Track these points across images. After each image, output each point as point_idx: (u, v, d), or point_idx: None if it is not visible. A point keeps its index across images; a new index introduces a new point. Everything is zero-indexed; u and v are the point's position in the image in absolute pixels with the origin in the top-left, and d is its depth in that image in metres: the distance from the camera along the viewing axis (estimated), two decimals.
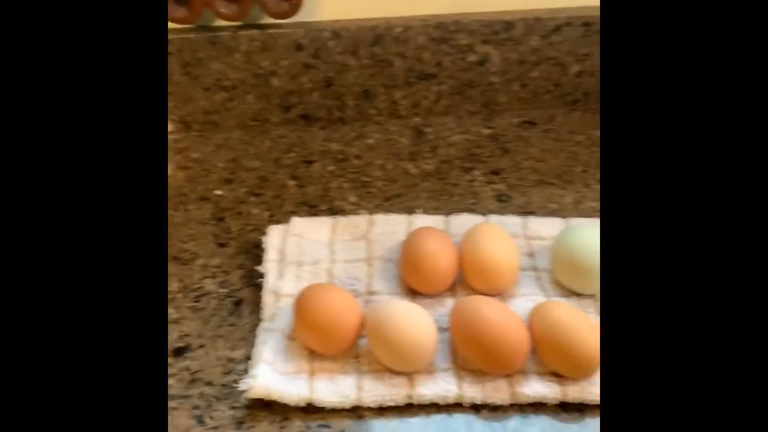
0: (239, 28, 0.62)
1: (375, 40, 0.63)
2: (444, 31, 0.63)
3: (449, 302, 0.43)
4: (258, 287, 0.47)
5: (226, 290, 0.48)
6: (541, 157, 0.61)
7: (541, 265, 0.46)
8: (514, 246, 0.44)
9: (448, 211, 0.54)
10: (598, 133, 0.64)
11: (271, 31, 0.62)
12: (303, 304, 0.40)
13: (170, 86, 0.64)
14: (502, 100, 0.67)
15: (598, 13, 0.63)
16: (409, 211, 0.54)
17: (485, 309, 0.39)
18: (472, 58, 0.65)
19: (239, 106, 0.66)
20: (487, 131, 0.65)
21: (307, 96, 0.66)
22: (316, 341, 0.40)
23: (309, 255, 0.47)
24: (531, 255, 0.47)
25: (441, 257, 0.43)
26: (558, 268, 0.44)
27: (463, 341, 0.39)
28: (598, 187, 0.56)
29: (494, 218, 0.50)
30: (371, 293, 0.44)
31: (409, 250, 0.44)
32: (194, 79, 0.64)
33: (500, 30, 0.63)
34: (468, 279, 0.44)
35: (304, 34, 0.62)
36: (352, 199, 0.57)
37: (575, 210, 0.53)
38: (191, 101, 0.65)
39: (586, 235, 0.43)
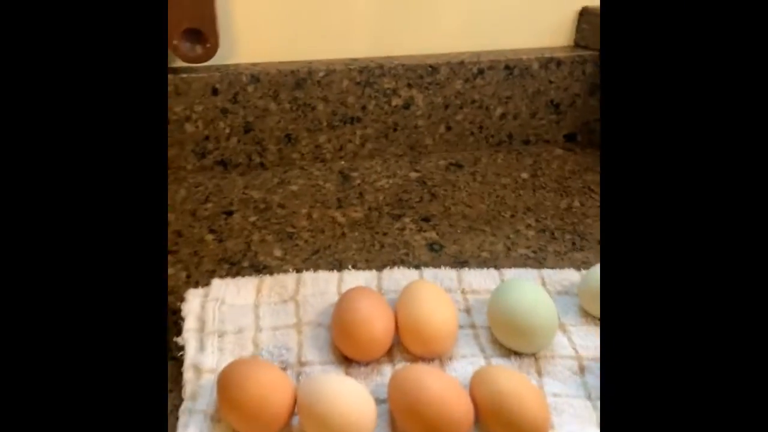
0: None
1: (297, 84, 0.60)
2: (368, 75, 0.61)
3: (387, 370, 0.40)
4: (177, 361, 0.43)
5: None
6: (470, 202, 0.60)
7: (478, 321, 0.44)
8: (451, 304, 0.43)
9: (380, 265, 0.52)
10: (523, 175, 0.64)
11: (184, 75, 0.58)
12: (227, 383, 0.37)
13: None
14: (427, 143, 0.66)
15: (518, 56, 0.64)
16: (339, 265, 0.52)
17: (425, 379, 0.37)
18: (396, 101, 0.63)
19: None
20: (414, 174, 0.64)
21: (225, 142, 0.62)
22: (244, 423, 0.36)
23: (232, 323, 0.43)
24: (468, 311, 0.45)
25: (376, 322, 0.41)
26: (495, 327, 0.43)
27: (403, 414, 0.37)
28: (528, 232, 0.56)
29: (428, 272, 0.48)
30: (303, 364, 0.41)
31: (341, 316, 0.41)
32: None
33: (424, 74, 0.62)
34: (405, 343, 0.42)
35: (221, 78, 0.59)
36: (277, 253, 0.53)
37: (507, 258, 0.53)
38: None
39: (521, 291, 0.42)
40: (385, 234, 0.56)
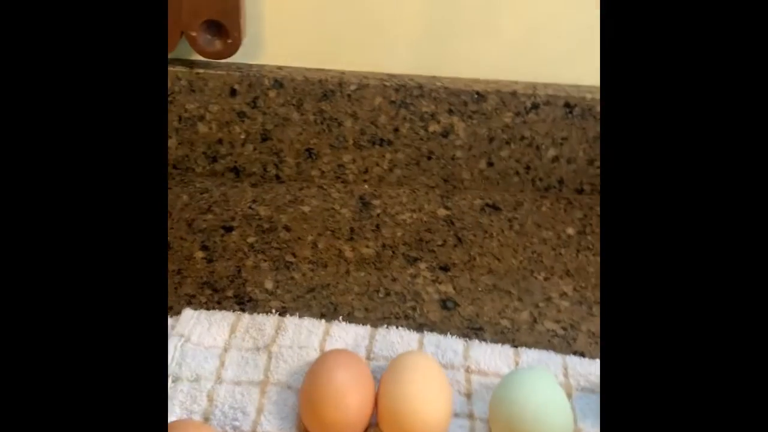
0: None
1: (324, 94, 0.54)
2: (405, 95, 0.54)
3: None
4: None
5: None
6: (500, 254, 0.52)
7: (478, 411, 0.37)
8: (447, 388, 0.35)
9: (379, 317, 0.45)
10: (569, 230, 0.56)
11: (200, 70, 0.53)
12: None
13: None
14: (464, 177, 0.59)
15: (581, 94, 0.56)
16: (333, 309, 0.45)
17: None
18: (434, 127, 0.56)
19: None
20: (443, 212, 0.57)
21: (239, 148, 0.57)
22: None
23: (190, 368, 0.37)
24: (468, 396, 0.38)
25: (351, 398, 0.34)
26: (495, 425, 0.35)
27: None
28: (561, 302, 0.48)
29: (431, 338, 0.41)
30: None
31: (313, 383, 0.35)
32: None
33: (469, 101, 0.54)
34: (383, 428, 0.35)
35: (241, 79, 0.53)
36: (268, 285, 0.47)
37: (530, 332, 0.45)
38: None
39: (532, 387, 0.35)
40: (394, 280, 0.49)
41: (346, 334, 0.41)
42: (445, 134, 0.56)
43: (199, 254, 0.49)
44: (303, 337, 0.40)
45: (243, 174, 0.58)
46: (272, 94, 0.54)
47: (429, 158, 0.58)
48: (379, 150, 0.57)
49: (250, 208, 0.55)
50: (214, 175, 0.57)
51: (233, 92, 0.53)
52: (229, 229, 0.52)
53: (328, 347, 0.39)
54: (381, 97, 0.54)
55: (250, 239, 0.51)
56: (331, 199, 0.56)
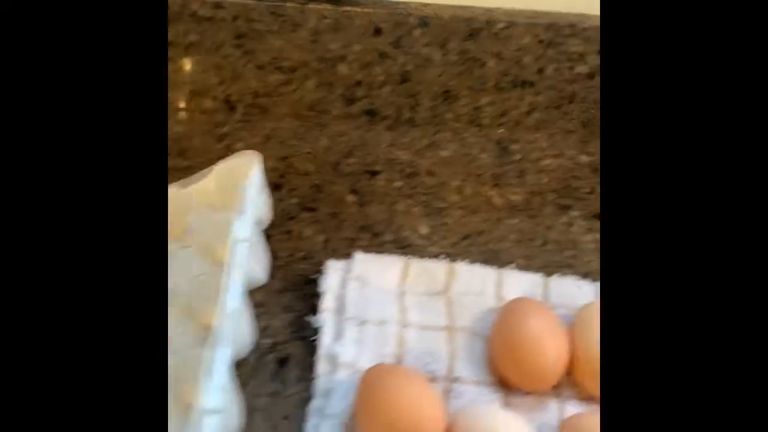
0: (310, 0, 0.51)
1: (470, 33, 0.52)
2: (555, 34, 0.51)
3: (553, 407, 0.34)
4: (307, 343, 0.38)
5: (269, 341, 0.39)
6: None
7: None
8: None
9: (542, 265, 0.44)
10: None
11: (347, 8, 0.51)
12: (371, 392, 0.31)
13: (218, 59, 0.54)
14: None
15: None
16: (495, 256, 0.45)
17: None
18: (580, 68, 0.54)
19: (296, 92, 0.55)
20: (585, 158, 0.55)
21: (377, 90, 0.55)
22: None
23: (374, 311, 0.38)
24: None
25: (548, 347, 0.34)
26: None
27: None
28: None
29: None
30: (453, 380, 0.35)
31: (506, 331, 0.35)
32: (248, 54, 0.53)
33: None
34: (579, 378, 0.35)
35: (386, 17, 0.51)
36: (423, 230, 0.47)
37: None
38: (240, 80, 0.55)
39: None
40: (548, 227, 0.48)
41: (519, 282, 0.40)
42: (591, 76, 0.54)
43: (351, 198, 0.49)
44: (477, 283, 0.40)
45: (377, 117, 0.57)
46: (417, 33, 0.52)
47: (570, 101, 0.55)
48: (519, 92, 0.55)
49: (389, 152, 0.54)
50: (350, 118, 0.57)
51: (377, 31, 0.52)
52: (374, 173, 0.52)
53: (504, 295, 0.39)
54: (529, 36, 0.52)
55: (397, 183, 0.51)
56: (468, 144, 0.55)
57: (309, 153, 0.53)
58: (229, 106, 0.57)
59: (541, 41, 0.52)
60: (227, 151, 0.53)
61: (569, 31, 0.52)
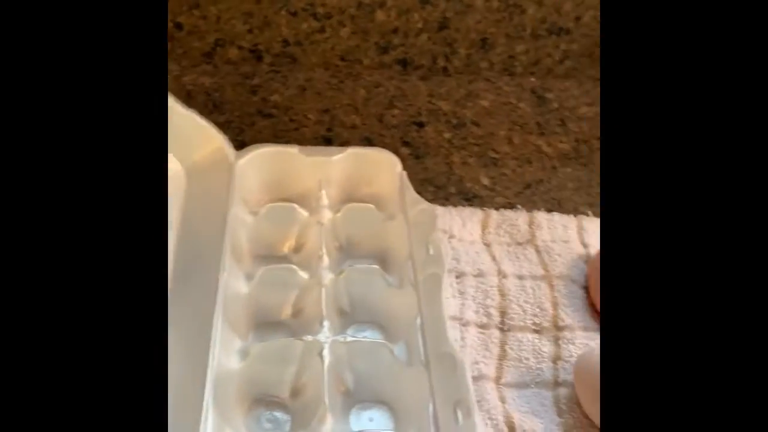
0: None
1: None
2: None
3: None
4: None
5: None
6: None
7: None
8: None
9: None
10: None
11: None
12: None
13: (249, 5, 0.50)
14: None
15: None
16: (558, 204, 0.45)
17: None
18: None
19: (329, 41, 0.53)
20: None
21: (413, 38, 0.53)
22: None
23: (468, 263, 0.37)
24: None
25: None
26: None
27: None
28: None
29: None
30: (560, 328, 0.35)
31: None
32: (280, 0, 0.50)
33: None
34: None
35: None
36: (485, 181, 0.46)
37: None
38: (269, 27, 0.51)
39: None
40: None
41: (598, 227, 0.40)
42: None
43: (404, 150, 0.48)
44: (560, 231, 0.40)
45: (410, 67, 0.55)
46: None
47: None
48: (554, 40, 0.54)
49: (430, 102, 0.52)
50: (382, 68, 0.54)
51: None
52: (420, 125, 0.50)
53: (587, 241, 0.39)
54: None
55: (445, 135, 0.50)
56: (504, 93, 0.54)
57: (349, 104, 0.51)
58: (257, 56, 0.53)
59: None
60: (264, 105, 0.50)
61: None
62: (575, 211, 0.44)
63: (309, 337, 0.30)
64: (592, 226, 0.41)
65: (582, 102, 0.55)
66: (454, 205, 0.43)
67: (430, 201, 0.44)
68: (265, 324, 0.34)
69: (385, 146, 0.47)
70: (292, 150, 0.40)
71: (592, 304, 0.36)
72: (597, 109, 0.54)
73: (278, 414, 0.30)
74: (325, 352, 0.29)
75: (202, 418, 0.27)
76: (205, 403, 0.27)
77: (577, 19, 0.53)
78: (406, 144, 0.48)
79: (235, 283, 0.34)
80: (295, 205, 0.37)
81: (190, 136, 0.39)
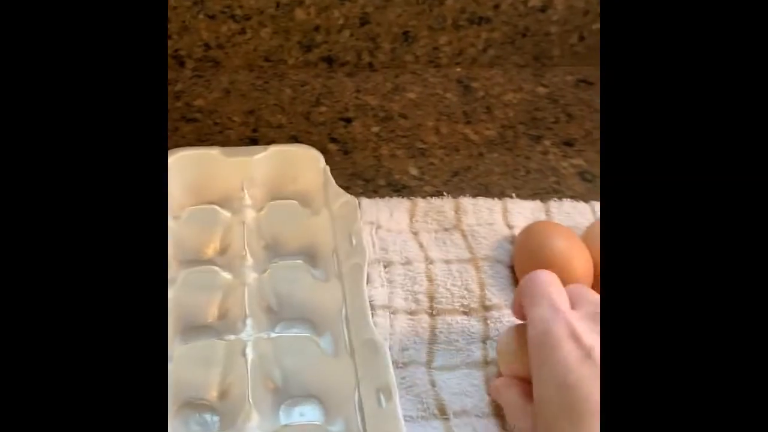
0: None
1: None
2: None
3: None
4: None
5: None
6: None
7: None
8: None
9: (530, 193, 0.46)
10: None
11: None
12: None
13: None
14: (554, 54, 0.59)
15: None
16: (485, 190, 0.45)
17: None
18: (533, 2, 0.55)
19: (250, 42, 0.52)
20: (542, 90, 0.57)
21: (335, 35, 0.53)
22: None
23: (396, 252, 0.37)
24: None
25: (575, 263, 0.35)
26: None
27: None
28: None
29: (597, 206, 0.43)
30: (488, 308, 0.35)
31: (531, 255, 0.36)
32: (197, 4, 0.49)
33: None
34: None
35: None
36: (413, 171, 0.47)
37: None
38: (189, 32, 0.51)
39: None
40: (527, 158, 0.49)
41: (522, 210, 0.41)
42: (543, 9, 0.55)
43: (332, 146, 0.48)
44: (485, 215, 0.40)
45: (336, 63, 0.55)
46: None
47: (524, 35, 0.57)
48: (475, 29, 0.55)
49: (357, 98, 0.53)
50: (308, 66, 0.54)
51: None
52: (347, 120, 0.50)
53: (512, 223, 0.40)
54: None
55: (373, 129, 0.50)
56: (431, 84, 0.55)
57: (275, 104, 0.51)
58: (179, 61, 0.52)
59: None
60: (188, 110, 0.50)
61: None
62: (501, 195, 0.45)
63: (232, 337, 0.30)
64: (517, 208, 0.41)
65: (507, 89, 0.56)
66: (383, 196, 0.44)
67: (360, 194, 0.44)
68: (190, 328, 0.33)
69: (312, 144, 0.47)
70: (213, 152, 0.40)
71: (517, 282, 0.37)
72: (522, 95, 0.55)
73: (207, 416, 0.30)
74: (248, 350, 0.29)
75: None
76: None
77: (496, 7, 0.54)
78: (333, 140, 0.48)
79: None
80: (217, 207, 0.37)
81: None
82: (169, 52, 0.51)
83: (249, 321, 0.30)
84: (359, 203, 0.40)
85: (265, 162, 0.39)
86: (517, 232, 0.40)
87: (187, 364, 0.30)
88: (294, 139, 0.48)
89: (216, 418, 0.30)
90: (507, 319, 0.35)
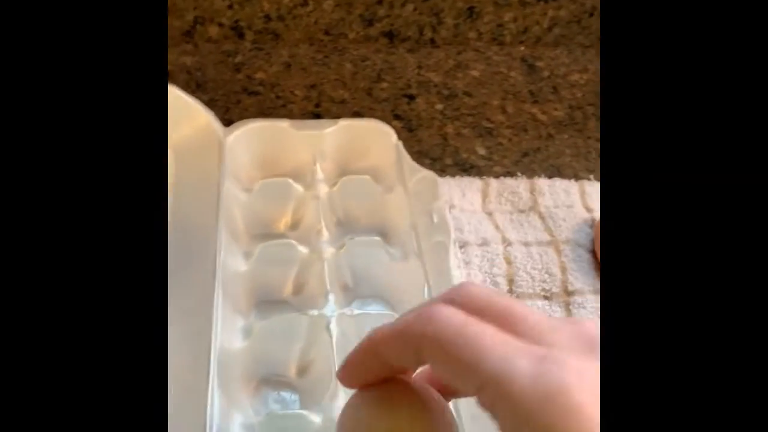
0: None
1: None
2: None
3: None
4: None
5: None
6: None
7: None
8: None
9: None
10: None
11: None
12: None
13: None
14: None
15: None
16: (558, 172, 0.44)
17: None
18: None
19: (312, 14, 0.51)
20: None
21: (398, 9, 0.52)
22: None
23: (471, 232, 0.36)
24: None
25: None
26: None
27: None
28: None
29: None
30: (570, 293, 0.34)
31: None
32: None
33: None
34: None
35: None
36: (481, 151, 0.45)
37: None
38: (250, 3, 0.49)
39: None
40: (597, 140, 0.48)
41: (598, 192, 0.40)
42: None
43: (396, 123, 0.46)
44: (562, 197, 0.39)
45: (397, 39, 0.53)
46: None
47: (591, 15, 0.55)
48: (542, 6, 0.53)
49: (418, 74, 0.51)
50: (368, 41, 0.53)
51: None
52: (410, 97, 0.49)
53: (590, 205, 0.38)
54: None
55: (437, 106, 0.48)
56: (494, 62, 0.53)
57: (337, 79, 0.50)
58: (238, 32, 0.51)
59: None
60: (249, 82, 0.48)
61: None
62: (576, 177, 0.44)
63: (314, 312, 0.29)
64: (594, 191, 0.40)
65: (573, 69, 0.54)
66: (452, 175, 0.42)
67: (441, 176, 0.43)
68: (267, 302, 0.32)
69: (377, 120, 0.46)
70: (283, 124, 0.38)
71: (600, 267, 0.35)
72: (588, 75, 0.53)
73: (285, 394, 0.29)
74: (333, 326, 0.28)
75: (208, 403, 0.26)
76: (210, 386, 0.26)
77: None
78: (397, 117, 0.47)
79: (233, 262, 0.32)
80: (290, 180, 0.36)
81: (175, 114, 0.36)
82: (228, 23, 0.50)
83: (331, 296, 0.29)
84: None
85: (335, 136, 0.38)
86: (596, 215, 0.38)
87: (267, 339, 0.29)
88: (358, 115, 0.46)
89: (295, 396, 0.29)
90: (591, 305, 0.33)
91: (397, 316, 0.31)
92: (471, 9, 0.53)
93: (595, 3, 0.54)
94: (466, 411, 0.26)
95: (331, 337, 0.28)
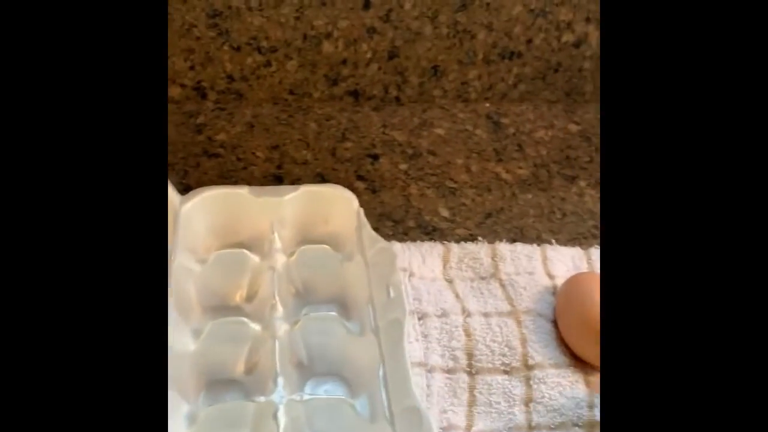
0: None
1: (462, 4, 0.50)
2: (546, 2, 0.51)
3: None
4: None
5: None
6: None
7: None
8: None
9: (568, 238, 0.43)
10: None
11: None
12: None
13: (190, 41, 0.48)
14: (586, 90, 0.57)
15: None
16: (520, 233, 0.43)
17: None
18: (567, 37, 0.53)
19: (275, 75, 0.51)
20: (574, 127, 0.55)
21: (363, 68, 0.52)
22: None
23: (430, 303, 0.35)
24: None
25: None
26: None
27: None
28: None
29: None
30: (530, 367, 0.33)
31: (575, 309, 0.33)
32: (222, 35, 0.48)
33: None
34: None
35: None
36: (444, 213, 0.45)
37: None
38: (213, 63, 0.49)
39: None
40: (562, 199, 0.47)
41: (562, 257, 0.39)
42: (577, 44, 0.54)
43: (359, 184, 0.46)
44: (524, 262, 0.38)
45: (362, 98, 0.53)
46: (408, 5, 0.49)
47: (555, 71, 0.55)
48: (506, 64, 0.54)
49: (383, 133, 0.51)
50: (333, 100, 0.53)
51: (367, 4, 0.48)
52: (374, 157, 0.49)
53: (553, 272, 0.38)
54: (521, 6, 0.50)
55: (401, 166, 0.48)
56: (460, 120, 0.53)
57: (300, 140, 0.50)
58: (201, 93, 0.51)
59: (531, 10, 0.51)
60: (210, 144, 0.48)
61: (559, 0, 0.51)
62: (538, 240, 0.43)
63: (262, 398, 0.28)
64: (557, 255, 0.39)
65: (538, 125, 0.54)
66: (414, 239, 0.42)
67: (389, 236, 0.42)
68: (216, 382, 0.31)
69: (339, 181, 0.46)
70: (241, 191, 0.38)
71: (562, 339, 0.34)
72: (554, 132, 0.54)
73: None
74: (280, 414, 0.27)
75: None
76: None
77: (528, 42, 0.53)
78: (360, 178, 0.47)
79: (181, 340, 0.31)
80: (246, 251, 0.35)
81: None
82: (191, 83, 0.50)
83: (280, 380, 0.28)
84: (391, 245, 0.38)
85: (296, 202, 0.37)
86: (558, 282, 0.37)
87: (213, 427, 0.28)
88: (320, 177, 0.46)
89: None
90: (551, 379, 0.33)
91: (351, 398, 0.30)
92: (435, 68, 0.53)
93: (560, 59, 0.54)
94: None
95: (278, 426, 0.27)
